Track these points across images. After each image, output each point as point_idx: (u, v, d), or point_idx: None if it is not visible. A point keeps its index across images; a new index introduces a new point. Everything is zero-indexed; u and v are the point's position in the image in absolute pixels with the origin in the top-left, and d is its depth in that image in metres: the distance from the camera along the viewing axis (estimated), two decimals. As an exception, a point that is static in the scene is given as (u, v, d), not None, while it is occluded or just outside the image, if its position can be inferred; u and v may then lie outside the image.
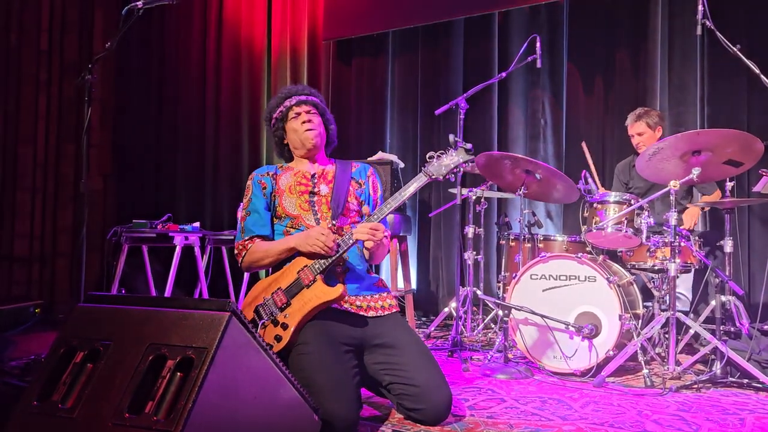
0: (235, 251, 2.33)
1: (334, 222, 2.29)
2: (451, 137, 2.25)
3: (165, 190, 6.01)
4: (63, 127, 5.56)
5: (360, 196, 2.43)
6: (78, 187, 5.43)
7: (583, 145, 4.18)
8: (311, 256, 2.17)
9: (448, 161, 2.21)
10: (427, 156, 2.24)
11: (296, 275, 2.15)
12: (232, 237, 4.73)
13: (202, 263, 4.52)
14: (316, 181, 2.38)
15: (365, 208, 2.34)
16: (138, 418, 1.40)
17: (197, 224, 4.45)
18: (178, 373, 1.44)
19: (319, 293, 2.10)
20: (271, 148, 5.84)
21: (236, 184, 5.85)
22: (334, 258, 2.15)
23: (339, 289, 2.10)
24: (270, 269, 2.33)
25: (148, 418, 1.39)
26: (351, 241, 2.16)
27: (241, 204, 2.39)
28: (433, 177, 2.22)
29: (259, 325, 2.12)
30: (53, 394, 1.52)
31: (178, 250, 4.16)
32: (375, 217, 2.18)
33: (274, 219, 2.36)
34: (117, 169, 5.96)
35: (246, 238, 2.30)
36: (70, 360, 1.56)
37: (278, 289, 2.16)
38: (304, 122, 2.36)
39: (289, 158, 2.49)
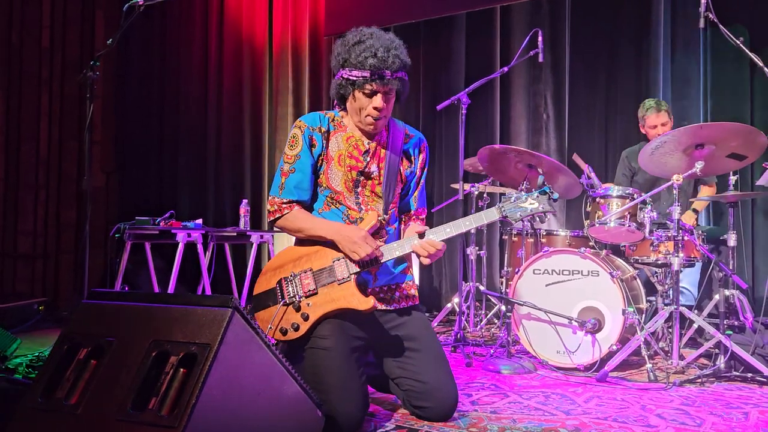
0: (268, 206, 2.14)
1: (385, 216, 2.15)
2: (541, 179, 2.09)
3: (167, 187, 6.01)
4: (65, 125, 5.57)
5: (408, 176, 2.26)
6: (80, 184, 5.45)
7: (575, 157, 4.15)
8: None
9: (527, 206, 2.03)
10: (507, 192, 2.11)
11: (331, 263, 2.04)
12: (235, 233, 4.74)
13: (204, 260, 4.52)
14: (369, 159, 2.16)
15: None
16: (141, 414, 1.40)
17: (200, 221, 4.45)
18: (182, 369, 1.44)
19: (349, 297, 2.01)
20: (272, 144, 5.85)
21: (238, 180, 5.86)
22: (379, 262, 2.05)
23: (369, 301, 2.00)
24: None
25: (152, 414, 1.39)
26: (407, 250, 2.04)
27: (285, 153, 2.14)
28: (506, 218, 2.05)
29: (280, 302, 2.05)
30: (57, 390, 1.52)
31: (180, 246, 4.16)
32: (437, 235, 2.04)
33: (317, 184, 2.17)
34: (119, 165, 5.97)
35: (285, 200, 2.11)
36: (73, 356, 1.56)
37: (309, 269, 2.05)
38: (375, 107, 2.06)
39: (344, 109, 2.21)
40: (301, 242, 2.19)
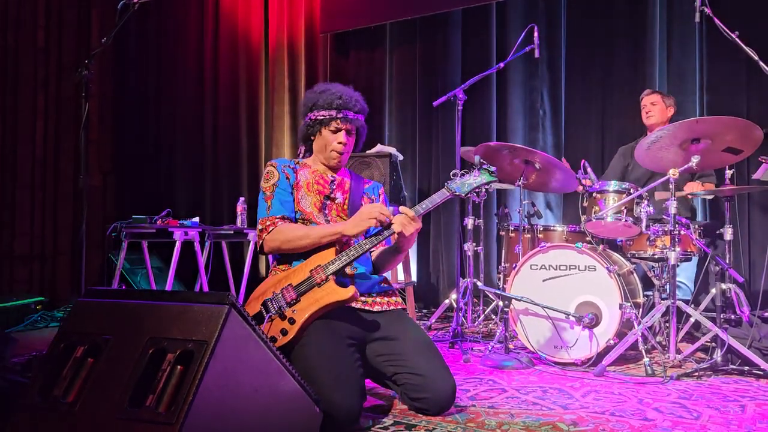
0: (259, 226, 2.25)
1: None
2: (477, 158, 2.31)
3: (164, 186, 6.01)
4: (61, 125, 5.55)
5: None
6: (77, 183, 5.44)
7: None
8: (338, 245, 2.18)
9: (471, 180, 2.26)
10: (451, 173, 2.29)
11: (308, 273, 2.13)
12: (232, 231, 4.73)
13: (202, 258, 4.52)
14: (334, 187, 2.38)
15: None
16: (139, 411, 1.40)
17: (197, 219, 4.44)
18: (179, 366, 1.44)
19: (331, 292, 2.08)
20: (268, 142, 5.85)
21: (235, 178, 5.86)
22: (354, 257, 2.13)
23: (351, 290, 2.08)
24: (269, 271, 2.31)
25: (150, 411, 1.39)
26: (391, 233, 2.16)
27: (263, 187, 2.33)
28: (456, 194, 2.25)
29: (266, 318, 2.11)
30: (54, 389, 1.52)
31: (177, 245, 4.16)
32: (414, 211, 2.19)
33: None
34: (116, 164, 5.96)
35: (277, 216, 2.24)
36: (70, 354, 1.56)
37: (289, 285, 2.14)
38: (339, 142, 2.33)
39: (310, 150, 2.46)
40: (284, 261, 2.27)
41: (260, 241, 2.26)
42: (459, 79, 4.99)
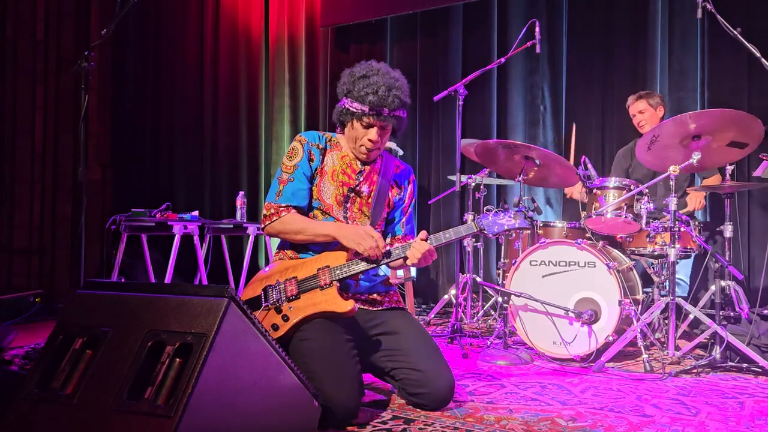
0: (264, 211, 2.22)
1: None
2: (516, 198, 2.25)
3: (163, 179, 6.00)
4: (60, 118, 5.55)
5: (396, 203, 2.39)
6: (76, 177, 5.43)
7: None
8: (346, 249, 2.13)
9: (503, 221, 2.19)
10: (485, 208, 2.23)
11: (315, 271, 2.11)
12: (232, 225, 4.73)
13: (201, 252, 4.52)
14: (361, 179, 2.29)
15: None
16: (138, 404, 1.39)
17: (196, 213, 4.44)
18: (178, 359, 1.44)
19: (330, 300, 2.06)
20: (268, 136, 5.83)
21: (235, 172, 5.85)
22: (363, 269, 2.11)
23: (349, 304, 2.06)
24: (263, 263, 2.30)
25: (148, 404, 1.38)
26: (401, 257, 2.13)
27: (283, 163, 2.24)
28: (484, 232, 2.19)
29: (263, 306, 2.10)
30: (53, 381, 1.51)
31: (177, 238, 4.16)
32: (430, 242, 2.15)
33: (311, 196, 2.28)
34: (115, 158, 5.95)
35: (282, 204, 2.19)
36: (69, 346, 1.55)
37: (294, 278, 2.12)
38: (369, 139, 2.20)
39: (343, 132, 2.33)
40: (292, 247, 2.25)
41: (263, 225, 2.24)
42: (460, 74, 4.98)
